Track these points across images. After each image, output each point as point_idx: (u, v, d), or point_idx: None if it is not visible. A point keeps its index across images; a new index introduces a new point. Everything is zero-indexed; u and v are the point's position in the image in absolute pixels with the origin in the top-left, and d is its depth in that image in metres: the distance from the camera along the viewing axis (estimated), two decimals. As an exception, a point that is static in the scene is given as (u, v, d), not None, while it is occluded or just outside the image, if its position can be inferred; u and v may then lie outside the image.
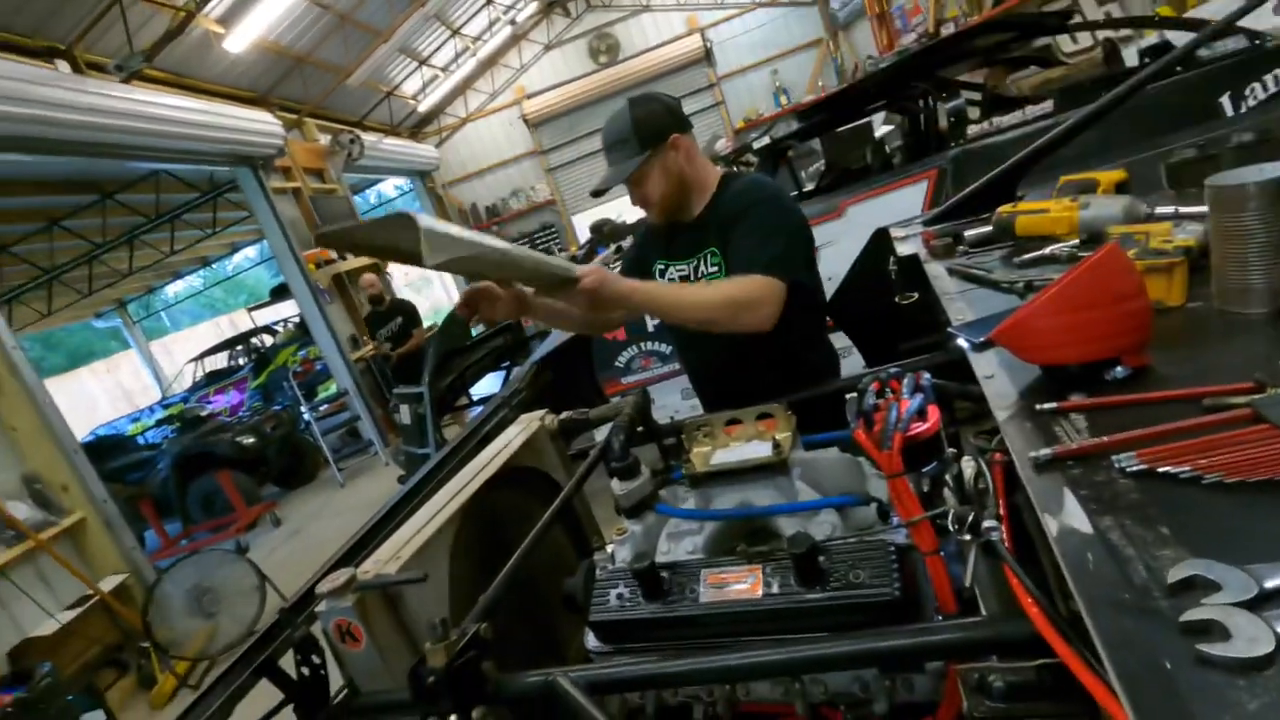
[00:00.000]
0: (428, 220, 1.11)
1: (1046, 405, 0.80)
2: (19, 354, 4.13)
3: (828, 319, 1.94)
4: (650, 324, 3.29)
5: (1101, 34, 4.15)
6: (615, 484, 1.36)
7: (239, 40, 6.84)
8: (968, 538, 0.77)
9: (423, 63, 10.96)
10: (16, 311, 11.42)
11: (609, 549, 1.43)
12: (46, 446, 4.19)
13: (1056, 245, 1.33)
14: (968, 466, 0.86)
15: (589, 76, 12.48)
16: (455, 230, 1.20)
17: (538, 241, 12.30)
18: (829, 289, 2.50)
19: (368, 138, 9.56)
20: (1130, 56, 3.79)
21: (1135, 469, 0.65)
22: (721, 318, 1.52)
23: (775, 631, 1.06)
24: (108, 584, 4.20)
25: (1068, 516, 0.63)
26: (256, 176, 7.31)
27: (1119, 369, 0.81)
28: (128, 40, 5.55)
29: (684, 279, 1.79)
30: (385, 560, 1.30)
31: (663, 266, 1.84)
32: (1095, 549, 0.58)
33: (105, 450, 8.13)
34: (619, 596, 1.17)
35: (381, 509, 1.67)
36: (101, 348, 20.67)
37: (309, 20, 7.89)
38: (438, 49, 11.10)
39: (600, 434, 1.75)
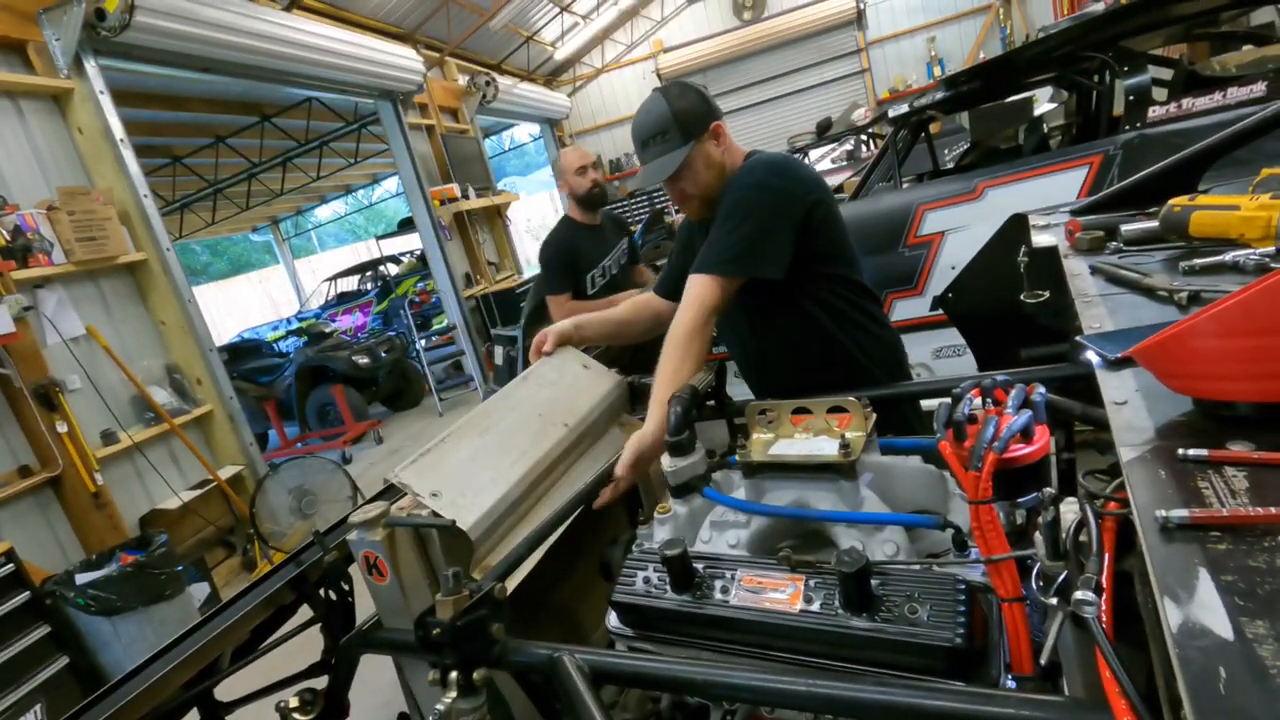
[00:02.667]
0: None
1: (1194, 452, 0.61)
2: (172, 256, 4.53)
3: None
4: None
5: (1346, 9, 3.41)
6: (665, 459, 1.27)
7: (392, -25, 7.06)
8: (1054, 601, 0.61)
9: (564, 9, 10.93)
10: (187, 219, 12.74)
11: (652, 525, 1.34)
12: (187, 342, 4.62)
13: (1242, 252, 1.07)
14: (1069, 512, 0.69)
15: (729, 34, 11.99)
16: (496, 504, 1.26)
17: (656, 201, 12.16)
18: (951, 279, 2.24)
19: (503, 81, 9.70)
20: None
21: (1313, 559, 0.47)
22: (699, 349, 1.46)
23: (809, 653, 0.94)
24: (225, 472, 4.62)
25: (1199, 608, 0.46)
26: (396, 110, 7.61)
27: (1309, 418, 0.61)
28: (292, -31, 5.86)
29: None
30: (437, 492, 1.28)
31: None
32: (1234, 663, 0.42)
33: (245, 352, 8.96)
34: (646, 580, 1.08)
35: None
36: (258, 260, 22.84)
37: (459, -41, 8.03)
38: (581, -5, 11.04)
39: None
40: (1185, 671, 0.42)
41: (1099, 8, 7.05)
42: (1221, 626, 0.44)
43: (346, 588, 1.28)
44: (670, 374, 1.42)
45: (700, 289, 1.49)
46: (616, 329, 1.86)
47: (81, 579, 3.18)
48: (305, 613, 1.31)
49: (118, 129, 4.25)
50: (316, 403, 7.60)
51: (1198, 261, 1.10)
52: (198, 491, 4.40)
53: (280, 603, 1.26)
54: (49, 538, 3.68)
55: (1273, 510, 0.51)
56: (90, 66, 4.17)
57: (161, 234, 4.48)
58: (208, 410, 4.66)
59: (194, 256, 21.12)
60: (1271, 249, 1.06)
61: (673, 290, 1.87)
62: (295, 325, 11.31)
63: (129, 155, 4.30)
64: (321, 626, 1.27)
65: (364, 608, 1.29)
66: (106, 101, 4.22)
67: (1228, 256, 1.07)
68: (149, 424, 4.26)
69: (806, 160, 8.19)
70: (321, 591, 1.26)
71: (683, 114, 1.55)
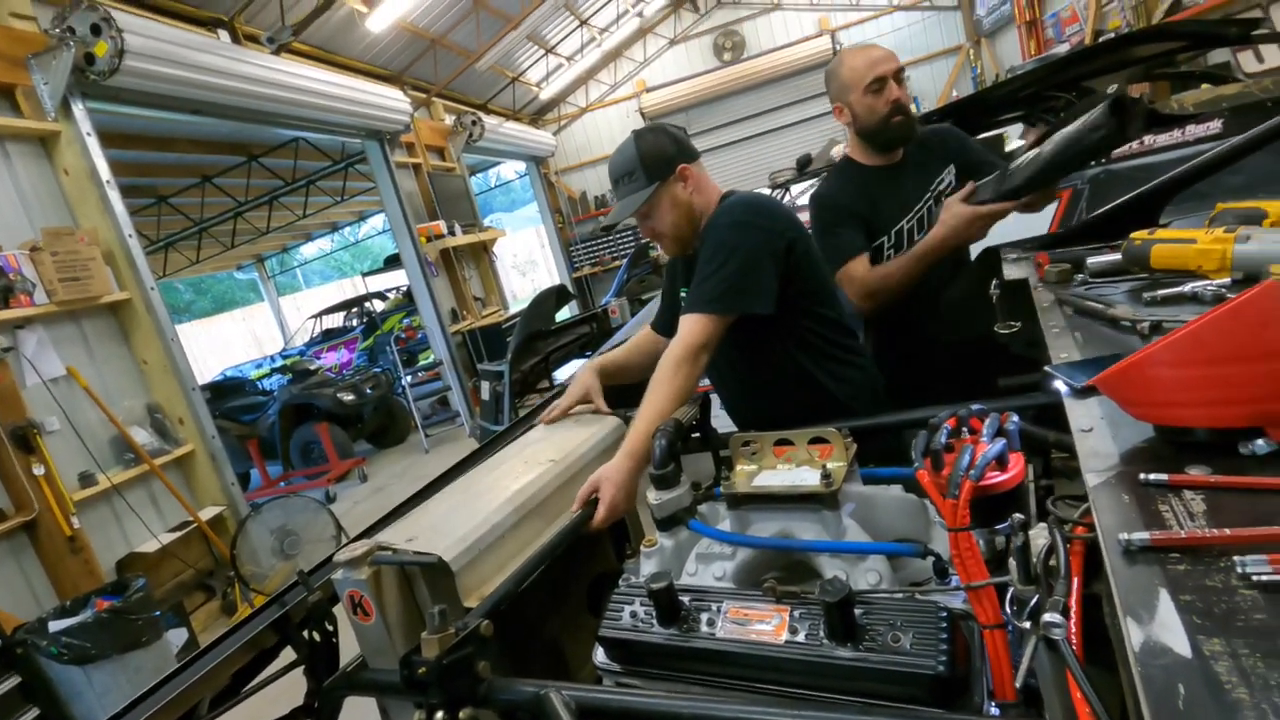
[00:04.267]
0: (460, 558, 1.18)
1: (1154, 476, 0.63)
2: (155, 295, 4.51)
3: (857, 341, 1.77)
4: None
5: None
6: (650, 493, 1.28)
7: (380, 20, 7.22)
8: (1027, 625, 0.62)
9: (549, 51, 11.21)
10: (171, 257, 12.71)
11: (639, 559, 1.34)
12: (170, 381, 4.58)
13: (1200, 283, 1.12)
14: (1038, 537, 0.71)
15: (710, 74, 12.34)
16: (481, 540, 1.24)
17: (643, 237, 12.34)
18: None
19: (489, 120, 9.88)
20: (1329, 78, 3.25)
21: (1266, 578, 0.49)
22: (683, 382, 1.48)
23: (796, 685, 0.95)
24: (206, 513, 4.54)
25: (1159, 627, 0.48)
26: (382, 150, 7.71)
27: (1260, 442, 0.63)
28: (281, 15, 5.97)
29: None
30: (413, 537, 1.28)
31: (684, 293, 1.80)
32: (1191, 679, 0.44)
33: (228, 390, 8.87)
34: (633, 615, 1.08)
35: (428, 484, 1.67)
36: (242, 298, 22.76)
37: (446, 3, 8.23)
38: (565, 38, 11.31)
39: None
40: (1147, 689, 0.44)
41: (1063, 50, 7.35)
42: (1180, 645, 0.46)
43: (331, 628, 1.26)
44: (649, 406, 1.45)
45: (687, 327, 1.53)
46: (625, 375, 1.88)
47: (55, 626, 3.09)
48: (288, 655, 1.29)
49: (104, 170, 4.28)
50: (300, 441, 7.52)
51: (1160, 292, 1.15)
52: (177, 534, 4.32)
53: (262, 646, 1.24)
54: (21, 584, 3.58)
55: (1227, 531, 0.54)
56: (78, 109, 4.21)
57: (145, 273, 4.47)
58: (189, 450, 4.59)
59: (177, 295, 21.01)
60: (1228, 280, 1.10)
61: (667, 327, 1.91)
62: (279, 363, 11.24)
63: (114, 196, 4.32)
64: (305, 669, 1.25)
65: (348, 650, 1.27)
66: (93, 143, 4.25)
67: (1187, 287, 1.12)
68: (128, 465, 4.20)
69: (788, 195, 8.36)
70: (305, 633, 1.25)
71: (649, 157, 1.62)
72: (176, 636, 3.80)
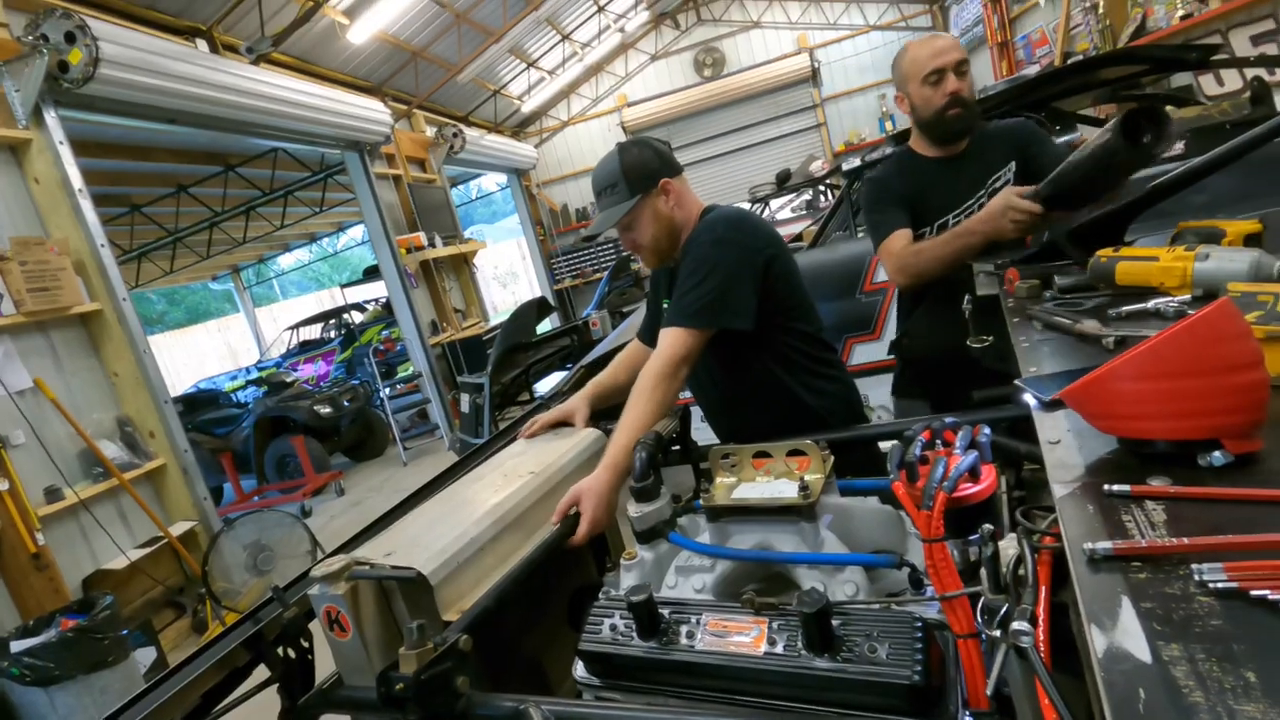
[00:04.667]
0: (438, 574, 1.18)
1: (1117, 487, 0.65)
2: (128, 306, 4.44)
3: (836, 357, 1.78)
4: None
5: (1251, 74, 3.73)
6: (630, 505, 1.28)
7: (361, 32, 7.21)
8: (997, 633, 0.64)
9: (531, 64, 11.26)
10: (144, 267, 12.49)
11: (619, 572, 1.34)
12: (141, 394, 4.49)
13: (1162, 300, 1.15)
14: (1008, 548, 0.73)
15: (691, 89, 12.48)
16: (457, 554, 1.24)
17: (624, 249, 12.38)
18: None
19: (471, 133, 9.88)
20: (1285, 101, 3.38)
21: (1221, 585, 0.51)
22: (663, 396, 1.49)
23: (776, 695, 0.95)
24: (177, 529, 4.44)
25: (1121, 633, 0.50)
26: (362, 161, 7.67)
27: (1217, 454, 0.66)
28: (260, 26, 5.94)
29: None
30: (391, 552, 1.27)
31: (667, 304, 1.82)
32: (1150, 684, 0.45)
33: (201, 403, 8.72)
34: (612, 628, 1.08)
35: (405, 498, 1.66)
36: (217, 309, 22.43)
37: (427, 16, 8.25)
38: (546, 52, 11.38)
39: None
40: (1109, 694, 0.45)
41: (1033, 71, 7.55)
42: (1141, 650, 0.48)
43: (306, 645, 1.24)
44: (629, 420, 1.46)
45: (668, 341, 1.54)
46: (621, 393, 1.88)
47: (17, 647, 3.00)
48: (262, 673, 1.26)
49: (76, 179, 4.21)
50: (276, 454, 7.40)
51: (1124, 308, 1.18)
52: (147, 550, 4.22)
53: (235, 664, 1.22)
54: (-18, 603, 3.48)
55: (1185, 540, 0.56)
56: (50, 117, 4.14)
57: (118, 284, 4.40)
58: (160, 464, 4.50)
59: (150, 305, 20.65)
60: (1188, 296, 1.14)
61: (652, 337, 1.92)
62: (255, 375, 11.07)
63: (87, 205, 4.25)
64: (279, 687, 1.23)
65: (323, 667, 1.25)
66: (65, 152, 4.19)
67: (1150, 304, 1.15)
68: (97, 480, 4.10)
69: (767, 210, 8.46)
70: (279, 650, 1.23)
71: (631, 170, 1.64)
72: (144, 656, 3.70)
